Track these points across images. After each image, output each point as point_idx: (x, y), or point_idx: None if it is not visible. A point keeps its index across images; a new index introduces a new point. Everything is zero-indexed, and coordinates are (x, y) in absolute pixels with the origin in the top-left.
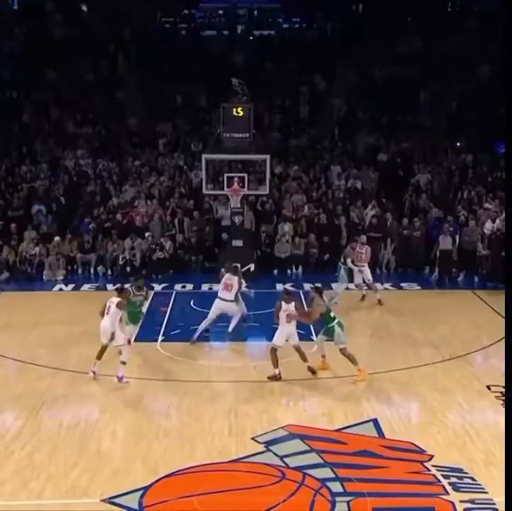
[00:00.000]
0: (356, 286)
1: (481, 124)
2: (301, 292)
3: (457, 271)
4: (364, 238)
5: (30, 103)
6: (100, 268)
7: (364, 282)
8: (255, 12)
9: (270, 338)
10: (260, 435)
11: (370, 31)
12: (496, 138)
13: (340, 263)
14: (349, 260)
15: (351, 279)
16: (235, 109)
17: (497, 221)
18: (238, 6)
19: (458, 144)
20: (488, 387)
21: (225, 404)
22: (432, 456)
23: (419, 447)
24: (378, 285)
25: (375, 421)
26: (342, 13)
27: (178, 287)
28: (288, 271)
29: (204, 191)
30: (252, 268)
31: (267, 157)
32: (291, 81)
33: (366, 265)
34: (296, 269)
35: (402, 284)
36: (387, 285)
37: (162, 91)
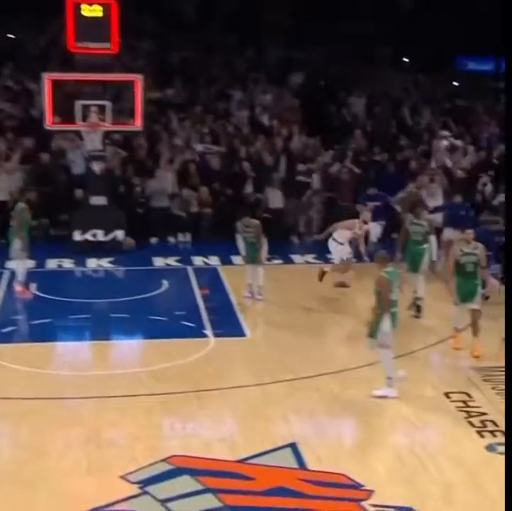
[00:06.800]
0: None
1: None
2: (187, 267)
3: None
4: (368, 215)
5: None
6: None
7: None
8: None
9: (145, 334)
10: (133, 472)
11: None
12: (456, 52)
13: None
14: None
15: None
16: (88, 7)
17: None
18: None
19: (405, 60)
20: (447, 395)
21: (82, 430)
22: (371, 492)
23: (354, 480)
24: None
25: (293, 447)
26: None
27: (12, 264)
28: (171, 239)
29: (47, 126)
30: (120, 237)
31: (139, 77)
32: None
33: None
34: (183, 236)
35: (330, 256)
36: (310, 257)
37: None
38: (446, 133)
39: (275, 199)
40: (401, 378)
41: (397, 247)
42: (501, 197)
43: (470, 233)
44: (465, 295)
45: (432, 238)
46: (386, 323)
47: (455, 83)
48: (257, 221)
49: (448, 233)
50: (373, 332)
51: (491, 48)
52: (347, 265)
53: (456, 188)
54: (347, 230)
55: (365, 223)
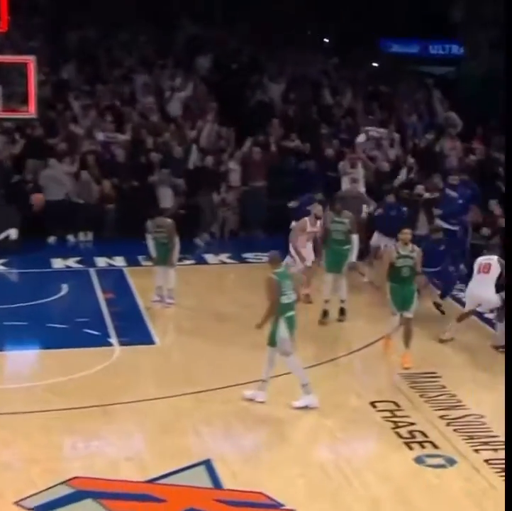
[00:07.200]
0: None
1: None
2: (89, 269)
3: None
4: (320, 209)
5: None
6: None
7: None
8: None
9: (42, 344)
10: (29, 497)
11: None
12: (381, 33)
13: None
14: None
15: None
16: None
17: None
18: None
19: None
20: (373, 405)
21: None
22: None
23: (273, 499)
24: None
25: (207, 464)
26: None
27: None
28: (71, 238)
29: None
30: (14, 236)
31: (32, 59)
32: None
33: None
34: (85, 234)
35: (245, 255)
36: (224, 257)
37: None
38: (371, 128)
39: (166, 198)
40: (251, 396)
41: (318, 247)
42: (420, 189)
43: (407, 233)
44: (402, 303)
45: (355, 237)
46: (281, 329)
47: (375, 64)
48: (170, 221)
49: (377, 238)
50: (271, 340)
51: (416, 31)
52: (310, 272)
53: (382, 182)
54: (301, 232)
55: (318, 217)
